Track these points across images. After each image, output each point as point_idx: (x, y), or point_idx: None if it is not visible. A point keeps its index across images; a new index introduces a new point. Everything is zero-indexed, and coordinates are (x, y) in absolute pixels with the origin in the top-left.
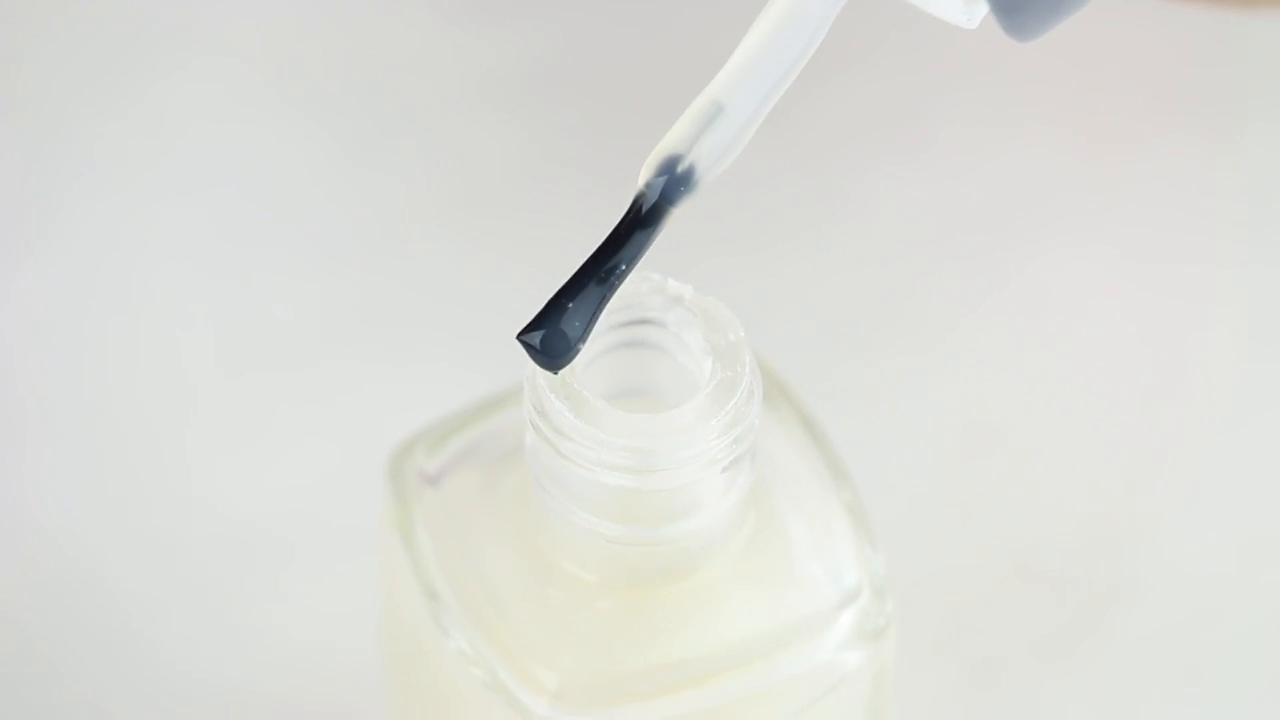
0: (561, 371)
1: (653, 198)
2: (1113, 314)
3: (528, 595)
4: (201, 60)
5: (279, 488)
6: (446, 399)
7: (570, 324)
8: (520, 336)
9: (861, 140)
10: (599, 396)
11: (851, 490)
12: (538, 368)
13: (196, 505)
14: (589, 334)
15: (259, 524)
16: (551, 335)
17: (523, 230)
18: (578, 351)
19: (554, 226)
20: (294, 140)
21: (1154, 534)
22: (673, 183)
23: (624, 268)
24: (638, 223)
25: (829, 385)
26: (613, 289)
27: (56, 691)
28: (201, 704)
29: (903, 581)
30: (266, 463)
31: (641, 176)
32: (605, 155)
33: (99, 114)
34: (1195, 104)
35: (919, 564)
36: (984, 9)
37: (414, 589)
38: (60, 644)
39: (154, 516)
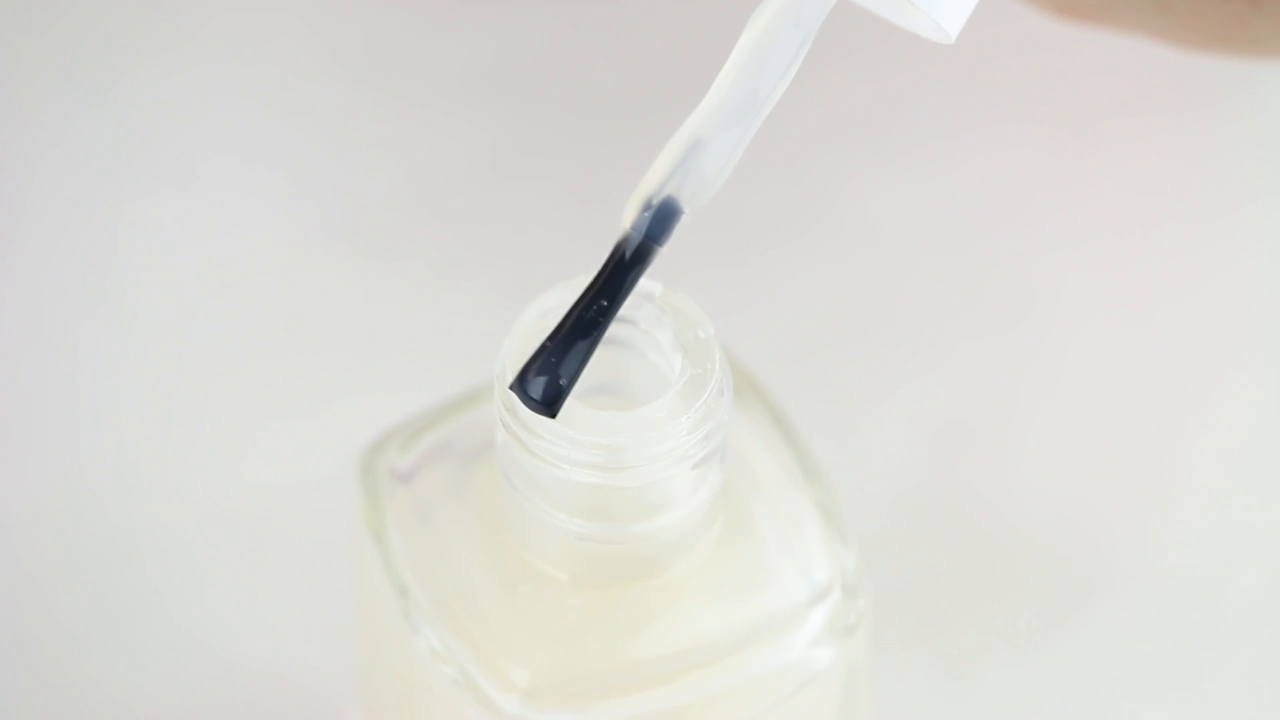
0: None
1: (637, 239)
2: (1089, 311)
3: (498, 593)
4: (178, 54)
5: (252, 484)
6: (422, 394)
7: (562, 371)
8: (513, 387)
9: (841, 139)
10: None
11: (823, 487)
12: (507, 364)
13: (171, 500)
14: (580, 375)
15: (233, 520)
16: (545, 384)
17: (495, 230)
18: (568, 393)
19: (527, 225)
20: (266, 141)
21: (1128, 528)
22: (657, 219)
23: (609, 306)
24: (624, 264)
25: (805, 383)
26: (602, 330)
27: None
28: (168, 701)
29: (876, 578)
30: (240, 460)
31: (626, 218)
32: (580, 156)
33: (75, 106)
34: (1178, 83)
35: (893, 561)
36: (959, 25)
37: (385, 586)
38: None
39: (127, 510)
